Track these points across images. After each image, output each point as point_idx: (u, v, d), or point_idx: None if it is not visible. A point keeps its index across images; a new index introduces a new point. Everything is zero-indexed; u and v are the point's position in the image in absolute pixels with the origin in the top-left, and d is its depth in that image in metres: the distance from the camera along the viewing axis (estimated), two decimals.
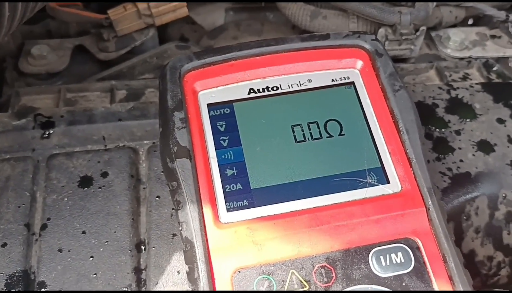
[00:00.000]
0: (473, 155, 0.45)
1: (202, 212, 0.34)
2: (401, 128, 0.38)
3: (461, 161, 0.45)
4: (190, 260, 0.33)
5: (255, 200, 0.35)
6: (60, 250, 0.40)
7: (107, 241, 0.40)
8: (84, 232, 0.41)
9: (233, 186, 0.36)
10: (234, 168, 0.37)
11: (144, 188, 0.44)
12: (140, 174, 0.44)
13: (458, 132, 0.47)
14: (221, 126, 0.39)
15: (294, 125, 0.39)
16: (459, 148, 0.46)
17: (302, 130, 0.38)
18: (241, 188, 0.36)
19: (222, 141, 0.38)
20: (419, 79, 0.54)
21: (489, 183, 0.44)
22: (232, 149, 0.37)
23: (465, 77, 0.54)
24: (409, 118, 0.38)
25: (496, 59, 0.57)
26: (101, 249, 0.40)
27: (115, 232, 0.41)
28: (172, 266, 0.39)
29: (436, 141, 0.46)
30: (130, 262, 0.40)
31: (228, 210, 0.35)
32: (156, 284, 0.39)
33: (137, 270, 0.40)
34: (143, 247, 0.41)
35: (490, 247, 0.44)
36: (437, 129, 0.47)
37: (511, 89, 0.51)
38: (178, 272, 0.39)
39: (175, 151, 0.36)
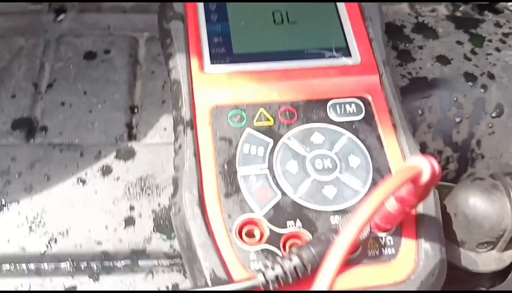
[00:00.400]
0: (432, 65, 0.52)
1: (190, 62, 0.40)
2: (366, 16, 0.44)
3: (420, 68, 0.51)
4: (176, 95, 0.39)
5: (236, 60, 0.41)
6: (62, 104, 0.46)
7: (105, 101, 0.46)
8: (85, 92, 0.47)
9: (217, 50, 0.42)
10: (220, 37, 0.42)
11: (141, 68, 0.50)
12: (138, 57, 0.50)
13: (420, 47, 0.53)
14: (212, 6, 0.45)
15: (275, 11, 0.45)
16: (420, 59, 0.52)
17: (281, 16, 0.45)
18: (225, 51, 0.42)
19: (212, 17, 0.44)
20: (392, 9, 0.60)
21: (443, 87, 0.50)
22: (219, 23, 0.43)
23: (433, 11, 0.60)
24: (373, 10, 0.44)
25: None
26: (99, 106, 0.46)
27: (112, 94, 0.47)
28: (160, 123, 0.45)
29: (400, 52, 0.52)
30: (124, 118, 0.45)
31: (211, 63, 0.40)
32: (145, 136, 0.45)
33: (129, 126, 0.45)
34: (136, 110, 0.46)
35: (440, 142, 0.50)
36: (402, 44, 0.53)
37: (472, 22, 0.57)
38: (164, 128, 0.45)
39: (170, 14, 0.42)
